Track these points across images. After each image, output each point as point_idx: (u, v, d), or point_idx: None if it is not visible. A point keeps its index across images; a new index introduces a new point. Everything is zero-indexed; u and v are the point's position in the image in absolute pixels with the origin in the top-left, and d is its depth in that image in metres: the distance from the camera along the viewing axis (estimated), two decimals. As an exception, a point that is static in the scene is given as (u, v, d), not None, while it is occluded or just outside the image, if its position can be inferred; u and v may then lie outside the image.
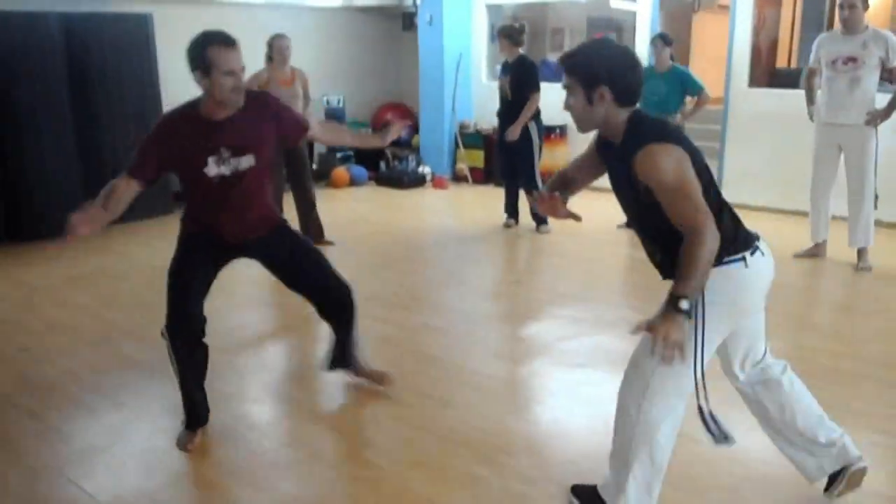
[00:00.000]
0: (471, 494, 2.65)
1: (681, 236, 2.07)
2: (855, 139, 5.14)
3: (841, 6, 5.05)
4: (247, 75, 5.89)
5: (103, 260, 5.75)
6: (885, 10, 9.49)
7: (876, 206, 5.24)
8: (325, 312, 3.22)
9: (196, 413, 3.00)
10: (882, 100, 5.06)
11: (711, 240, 2.01)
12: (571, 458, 2.89)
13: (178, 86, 7.28)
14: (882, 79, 5.18)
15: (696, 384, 2.19)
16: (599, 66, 2.12)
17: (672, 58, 6.11)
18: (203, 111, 2.71)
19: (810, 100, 5.39)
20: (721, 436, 2.23)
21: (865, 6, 5.04)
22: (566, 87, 2.18)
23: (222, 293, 4.98)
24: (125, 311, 4.60)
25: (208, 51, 2.58)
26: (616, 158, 2.21)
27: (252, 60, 5.76)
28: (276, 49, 5.72)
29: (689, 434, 3.07)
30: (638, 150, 2.06)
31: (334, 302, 3.16)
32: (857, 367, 3.69)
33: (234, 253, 3.01)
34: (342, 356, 3.35)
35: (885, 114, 5.04)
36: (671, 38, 6.17)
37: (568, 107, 2.20)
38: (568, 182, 2.46)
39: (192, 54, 2.63)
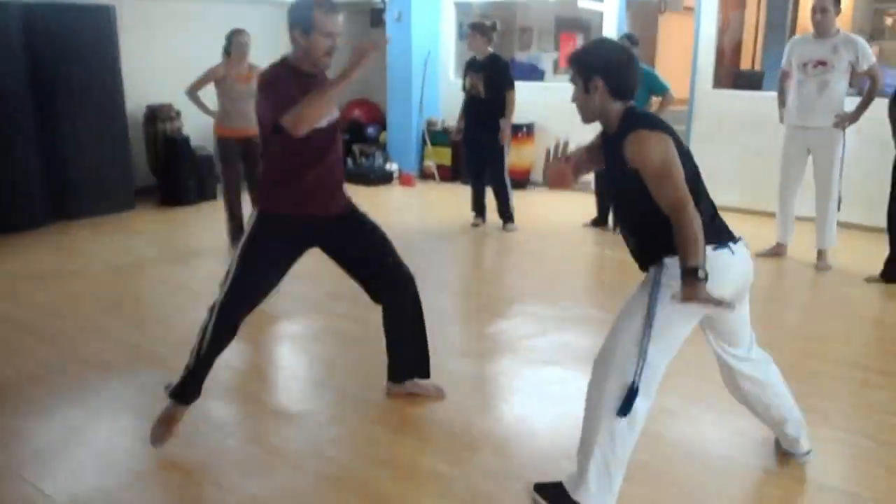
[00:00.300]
0: (436, 492, 2.64)
1: (660, 231, 2.21)
2: (823, 142, 5.22)
3: (813, 10, 5.12)
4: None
5: (62, 257, 5.64)
6: (848, 13, 9.70)
7: (839, 209, 5.34)
8: (387, 301, 3.15)
9: (193, 387, 2.95)
10: (851, 104, 5.15)
11: (695, 216, 2.17)
12: (537, 455, 2.89)
13: (141, 77, 7.24)
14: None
15: (638, 358, 2.28)
16: (594, 59, 2.38)
17: (638, 58, 6.16)
18: (296, 66, 2.77)
19: (782, 102, 5.46)
20: (624, 411, 2.30)
21: (837, 10, 5.12)
22: (571, 79, 2.43)
23: (183, 289, 4.93)
24: (84, 309, 4.51)
25: (313, 12, 2.68)
26: (610, 147, 2.41)
27: (217, 55, 5.72)
28: (236, 44, 5.61)
29: (649, 431, 3.10)
30: (629, 134, 2.26)
31: (397, 288, 3.12)
32: (818, 365, 3.76)
33: (311, 239, 2.98)
34: (420, 361, 3.31)
35: (853, 117, 5.13)
36: (637, 39, 6.22)
37: (573, 98, 2.43)
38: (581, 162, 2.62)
39: (296, 12, 2.72)
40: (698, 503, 2.61)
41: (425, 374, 3.32)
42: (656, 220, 2.22)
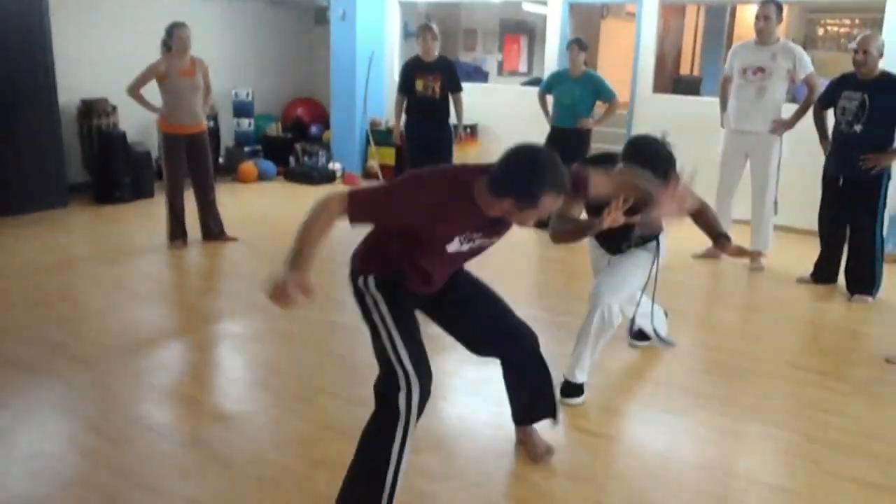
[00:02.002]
0: (376, 493, 2.61)
1: None
2: (760, 147, 5.36)
3: (757, 17, 5.27)
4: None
5: (-11, 254, 5.42)
6: (783, 22, 9.99)
7: (776, 212, 5.49)
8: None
9: None
10: (790, 111, 5.30)
11: None
12: (478, 454, 2.90)
13: (75, 70, 7.01)
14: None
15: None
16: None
17: (585, 63, 6.25)
18: (474, 199, 2.27)
19: (723, 107, 5.59)
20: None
21: (779, 19, 5.27)
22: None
23: (116, 288, 4.78)
24: (9, 308, 4.33)
25: (542, 195, 2.15)
26: None
27: (155, 48, 5.57)
28: (177, 38, 5.44)
29: (590, 430, 3.13)
30: None
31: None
32: (750, 364, 3.86)
33: None
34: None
35: (789, 123, 5.28)
36: (586, 44, 6.30)
37: None
38: None
39: (519, 183, 2.15)
40: (637, 500, 2.65)
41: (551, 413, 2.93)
42: None
